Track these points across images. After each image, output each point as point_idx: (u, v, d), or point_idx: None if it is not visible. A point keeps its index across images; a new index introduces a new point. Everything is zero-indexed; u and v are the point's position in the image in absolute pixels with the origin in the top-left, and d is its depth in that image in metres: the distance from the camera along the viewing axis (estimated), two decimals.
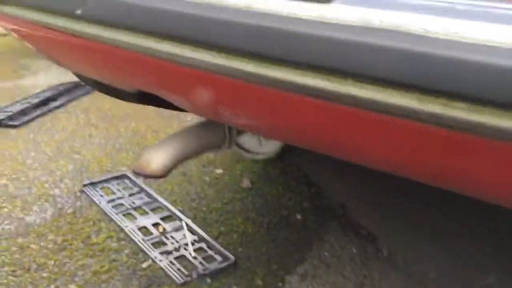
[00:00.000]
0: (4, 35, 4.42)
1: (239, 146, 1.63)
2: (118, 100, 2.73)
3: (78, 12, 0.83)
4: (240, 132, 1.28)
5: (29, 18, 1.02)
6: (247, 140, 1.62)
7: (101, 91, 1.47)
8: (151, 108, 2.65)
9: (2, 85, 3.09)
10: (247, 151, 1.62)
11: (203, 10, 0.70)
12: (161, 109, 2.61)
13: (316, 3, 0.59)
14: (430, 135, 0.56)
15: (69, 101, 2.82)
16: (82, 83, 3.01)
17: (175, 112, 2.58)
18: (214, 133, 1.21)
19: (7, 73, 3.31)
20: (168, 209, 1.74)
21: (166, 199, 1.80)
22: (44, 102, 2.74)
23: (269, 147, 1.57)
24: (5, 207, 1.77)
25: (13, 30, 1.28)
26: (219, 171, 2.03)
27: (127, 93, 1.24)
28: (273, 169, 2.03)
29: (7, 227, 1.65)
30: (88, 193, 1.84)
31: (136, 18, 0.76)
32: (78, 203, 1.79)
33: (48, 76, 3.30)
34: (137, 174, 1.09)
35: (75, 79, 3.10)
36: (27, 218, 1.70)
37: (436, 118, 0.53)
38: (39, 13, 0.95)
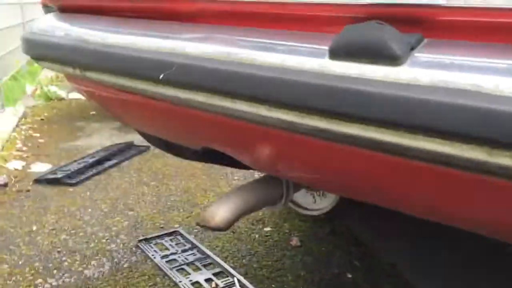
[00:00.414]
0: (62, 99, 4.74)
1: (294, 203, 1.69)
2: (168, 160, 2.84)
3: (161, 77, 0.93)
4: (296, 189, 1.33)
5: (107, 82, 1.13)
6: (302, 197, 1.67)
7: (163, 149, 1.56)
8: (199, 167, 2.75)
9: (62, 145, 3.29)
10: (302, 207, 1.68)
11: (276, 72, 0.77)
12: (209, 169, 2.71)
13: (387, 65, 0.66)
14: (500, 187, 0.60)
15: (122, 161, 2.95)
16: (134, 144, 3.17)
17: (222, 172, 2.67)
18: (273, 190, 1.27)
19: (65, 135, 3.52)
20: (220, 265, 1.77)
21: (217, 255, 1.84)
22: (99, 162, 2.89)
23: (322, 204, 1.62)
24: (65, 260, 1.84)
25: (85, 91, 1.40)
26: (268, 229, 2.07)
27: (190, 150, 1.33)
28: (321, 229, 2.05)
29: (67, 280, 1.72)
30: (142, 248, 1.90)
31: (215, 82, 0.85)
32: (134, 258, 1.85)
33: (101, 137, 3.49)
34: (202, 226, 1.15)
35: (127, 140, 3.27)
36: (86, 272, 1.77)
37: (506, 170, 0.57)
38: (119, 77, 1.06)
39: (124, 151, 3.11)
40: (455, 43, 0.66)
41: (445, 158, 0.62)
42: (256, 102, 0.80)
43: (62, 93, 4.81)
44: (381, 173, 0.78)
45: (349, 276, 1.72)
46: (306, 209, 1.69)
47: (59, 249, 1.93)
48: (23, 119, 3.90)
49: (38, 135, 3.53)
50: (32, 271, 1.78)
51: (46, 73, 5.97)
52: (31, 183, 2.62)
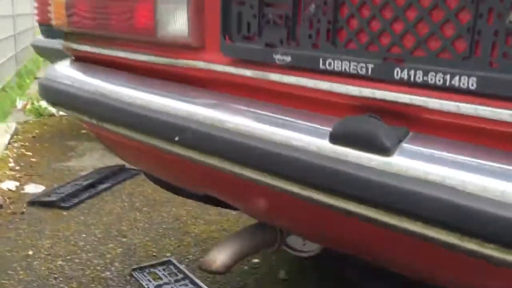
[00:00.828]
0: (52, 115, 4.79)
1: (285, 244, 1.80)
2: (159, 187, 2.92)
3: (176, 139, 1.04)
4: (288, 234, 1.44)
5: (122, 133, 1.23)
6: (293, 239, 1.79)
7: (165, 188, 1.66)
8: None
9: (54, 165, 3.35)
10: (292, 249, 1.79)
11: (280, 148, 0.89)
12: None
13: (377, 154, 0.78)
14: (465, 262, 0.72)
15: (114, 184, 3.03)
16: (126, 167, 3.24)
17: None
18: (268, 235, 1.37)
19: (57, 155, 3.59)
20: None
21: (209, 286, 1.93)
22: (92, 185, 2.96)
23: (312, 247, 1.74)
24: (62, 287, 1.92)
25: (97, 134, 1.50)
26: (256, 260, 2.17)
27: (193, 194, 1.43)
28: (307, 262, 2.16)
29: None
30: (136, 277, 1.99)
31: (224, 149, 0.96)
32: (128, 287, 1.93)
33: (93, 158, 3.56)
34: (203, 270, 1.25)
35: (118, 161, 3.35)
36: None
37: (473, 253, 0.69)
38: (135, 132, 1.16)
39: (116, 174, 3.18)
40: (435, 138, 0.79)
41: (423, 237, 0.75)
42: (260, 170, 0.91)
43: (53, 109, 4.86)
44: (367, 238, 0.90)
45: None
46: (296, 250, 1.80)
47: (55, 275, 2.00)
48: (14, 136, 3.95)
49: (30, 153, 3.59)
50: None
51: (37, 87, 6.02)
52: (25, 205, 2.68)
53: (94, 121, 1.28)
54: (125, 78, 1.26)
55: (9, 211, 2.61)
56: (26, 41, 7.79)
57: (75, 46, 1.42)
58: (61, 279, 1.97)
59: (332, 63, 0.88)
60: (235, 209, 1.39)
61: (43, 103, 4.98)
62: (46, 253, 2.18)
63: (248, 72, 1.01)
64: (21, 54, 7.31)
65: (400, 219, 0.75)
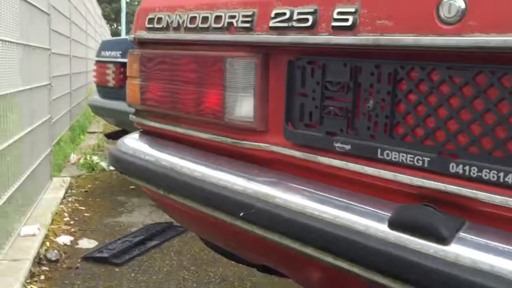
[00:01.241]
0: (103, 169, 5.02)
1: None
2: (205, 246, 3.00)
3: (241, 214, 1.13)
4: None
5: (187, 205, 1.33)
6: None
7: (225, 256, 1.75)
8: None
9: (105, 221, 3.50)
10: None
11: (343, 231, 0.96)
12: None
13: (436, 243, 0.84)
14: None
15: (163, 241, 3.13)
16: (174, 224, 3.34)
17: None
18: None
19: (108, 210, 3.75)
20: None
21: None
22: (142, 242, 3.07)
23: None
24: None
25: (161, 203, 1.61)
26: None
27: (251, 263, 1.51)
28: None
29: None
30: None
31: (289, 229, 1.04)
32: None
33: (142, 214, 3.69)
34: None
35: (167, 219, 3.47)
36: None
37: None
38: (202, 206, 1.26)
39: (164, 231, 3.29)
40: (490, 229, 0.85)
41: None
42: (322, 250, 0.98)
43: (104, 165, 5.10)
44: None
45: None
46: None
47: None
48: (69, 191, 4.16)
49: (83, 208, 3.77)
50: None
51: (90, 142, 6.34)
52: (79, 260, 2.81)
53: (161, 192, 1.39)
54: (193, 153, 1.37)
55: (64, 265, 2.74)
56: (79, 98, 8.28)
57: (145, 122, 1.57)
58: None
59: (390, 154, 0.96)
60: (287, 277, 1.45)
61: (95, 158, 5.24)
62: None
63: (310, 156, 1.10)
64: (74, 110, 7.75)
65: None
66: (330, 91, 1.06)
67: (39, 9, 3.87)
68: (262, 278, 2.62)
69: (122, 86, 4.10)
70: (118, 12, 28.10)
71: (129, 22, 21.87)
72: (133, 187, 4.44)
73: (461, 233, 0.84)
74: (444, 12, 0.84)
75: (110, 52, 4.22)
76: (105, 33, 18.61)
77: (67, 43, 6.84)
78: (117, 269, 2.70)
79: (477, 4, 0.81)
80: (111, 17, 33.80)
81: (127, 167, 1.50)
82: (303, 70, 1.10)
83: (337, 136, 1.05)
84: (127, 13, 21.35)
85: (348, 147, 1.03)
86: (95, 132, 7.21)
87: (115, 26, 35.17)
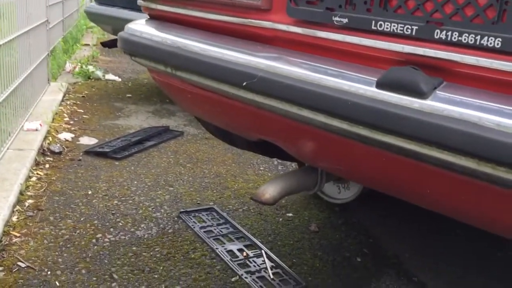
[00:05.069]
0: (98, 79, 5.08)
1: (322, 192, 2.01)
2: (200, 146, 3.16)
3: (244, 84, 1.25)
4: (327, 180, 1.65)
5: (193, 81, 1.45)
6: (329, 188, 1.99)
7: (218, 137, 1.89)
8: (228, 156, 3.08)
9: (104, 123, 3.63)
10: (328, 196, 2.00)
11: (336, 92, 1.09)
12: (238, 158, 3.03)
13: (416, 98, 0.97)
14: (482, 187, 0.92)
15: (160, 142, 3.28)
16: (170, 128, 3.48)
17: (250, 162, 3.00)
18: (310, 178, 1.59)
19: (106, 114, 3.86)
20: (250, 239, 2.10)
21: (247, 231, 2.16)
22: (140, 141, 3.22)
23: (345, 195, 1.93)
24: (119, 222, 2.18)
25: (164, 83, 1.72)
26: (290, 214, 2.39)
27: (245, 141, 1.65)
28: (336, 219, 2.37)
29: (122, 237, 2.06)
30: (183, 219, 2.23)
31: (287, 93, 1.17)
32: (176, 226, 2.18)
33: (139, 119, 3.82)
34: (255, 200, 1.47)
35: (162, 123, 3.60)
36: (137, 232, 2.10)
37: (487, 176, 0.88)
38: (207, 80, 1.37)
39: (161, 134, 3.43)
40: (466, 87, 0.98)
41: (449, 164, 0.94)
42: (317, 111, 1.11)
43: (99, 74, 5.14)
44: (401, 170, 1.10)
45: (358, 260, 2.04)
46: (331, 197, 2.01)
47: (113, 212, 2.26)
48: (66, 95, 4.25)
49: (82, 111, 3.88)
50: (93, 227, 2.12)
51: (83, 53, 6.32)
52: (81, 153, 2.96)
53: (169, 70, 1.50)
54: (199, 34, 1.47)
55: (67, 157, 2.89)
56: (72, 8, 8.10)
57: (152, 5, 1.64)
58: (117, 215, 2.24)
59: (383, 25, 1.07)
60: (281, 157, 1.60)
61: (91, 67, 5.27)
62: (103, 194, 2.45)
63: (309, 31, 1.20)
64: (67, 21, 7.61)
65: (430, 148, 0.94)
66: None
67: None
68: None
69: None
70: None
71: None
72: (130, 95, 4.54)
73: (438, 90, 0.97)
74: None
75: None
76: None
77: None
78: (117, 163, 2.87)
79: None
80: None
81: (137, 48, 1.59)
82: None
83: (336, 11, 1.15)
84: None
85: (345, 20, 1.13)
86: (88, 44, 7.16)
87: None
